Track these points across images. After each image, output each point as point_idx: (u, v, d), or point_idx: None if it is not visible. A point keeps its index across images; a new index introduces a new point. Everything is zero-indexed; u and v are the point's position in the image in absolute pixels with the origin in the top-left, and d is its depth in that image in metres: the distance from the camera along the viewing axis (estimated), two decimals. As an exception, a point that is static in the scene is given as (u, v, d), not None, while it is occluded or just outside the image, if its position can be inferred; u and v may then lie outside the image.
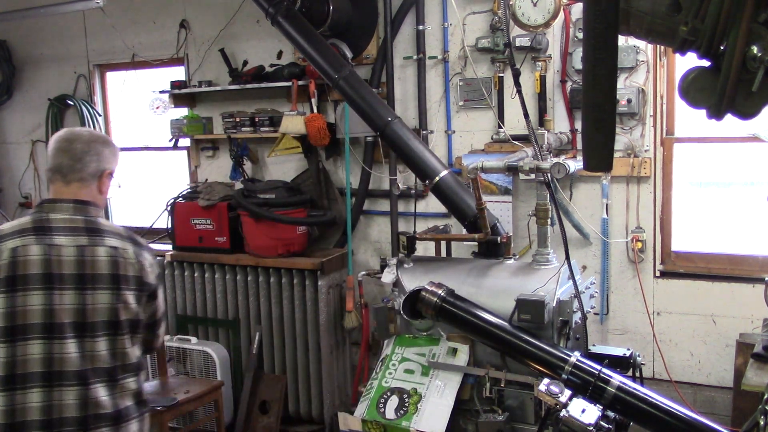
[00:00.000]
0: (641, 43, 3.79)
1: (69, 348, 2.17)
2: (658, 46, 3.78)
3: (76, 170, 2.29)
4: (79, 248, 2.22)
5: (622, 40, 3.65)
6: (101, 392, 2.20)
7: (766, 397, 2.00)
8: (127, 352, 2.27)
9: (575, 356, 2.95)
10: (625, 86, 3.89)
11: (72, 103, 5.73)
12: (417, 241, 3.85)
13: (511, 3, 3.84)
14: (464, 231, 3.91)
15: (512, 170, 3.58)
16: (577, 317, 3.30)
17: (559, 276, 3.27)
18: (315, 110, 4.58)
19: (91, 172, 2.31)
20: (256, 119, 4.82)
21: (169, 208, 4.92)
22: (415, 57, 4.41)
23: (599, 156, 1.58)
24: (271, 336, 4.66)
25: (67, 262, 2.20)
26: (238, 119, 4.88)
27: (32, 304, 2.16)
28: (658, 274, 4.05)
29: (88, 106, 5.71)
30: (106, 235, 2.27)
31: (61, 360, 2.16)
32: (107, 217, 5.79)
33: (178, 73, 5.35)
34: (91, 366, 2.19)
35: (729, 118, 1.44)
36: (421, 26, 4.36)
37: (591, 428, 2.70)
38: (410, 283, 3.52)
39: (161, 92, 5.15)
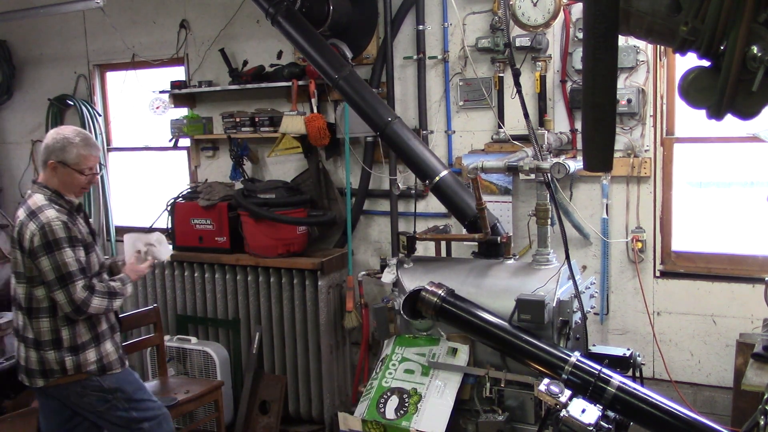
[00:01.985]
0: (641, 43, 3.79)
1: (18, 289, 3.21)
2: (658, 46, 3.78)
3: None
4: (19, 221, 3.19)
5: (622, 40, 3.65)
6: (27, 321, 3.21)
7: (766, 397, 2.00)
8: (39, 297, 3.16)
9: (575, 356, 2.95)
10: (625, 86, 3.89)
11: (72, 103, 5.73)
12: (417, 241, 3.85)
13: (511, 3, 3.84)
14: (464, 231, 3.91)
15: (512, 170, 3.58)
16: (577, 317, 3.30)
17: (559, 276, 3.27)
18: (315, 110, 4.58)
19: (42, 161, 3.19)
20: (256, 119, 4.82)
21: (169, 208, 4.92)
22: (415, 57, 4.41)
23: (599, 156, 1.58)
24: (271, 336, 4.66)
25: (18, 232, 3.19)
26: (238, 119, 4.88)
27: (12, 252, 3.30)
28: (658, 274, 4.05)
29: (88, 106, 5.71)
30: (23, 208, 3.16)
31: (15, 292, 3.24)
32: (108, 216, 5.80)
33: (178, 73, 5.35)
34: (20, 302, 3.20)
35: (729, 118, 1.44)
36: (421, 26, 4.36)
37: (591, 428, 2.70)
38: (410, 283, 3.52)
39: (161, 92, 5.15)
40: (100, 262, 3.30)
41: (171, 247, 3.50)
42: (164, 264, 4.94)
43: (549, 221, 3.58)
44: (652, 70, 3.89)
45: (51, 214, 3.04)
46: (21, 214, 3.09)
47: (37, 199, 3.10)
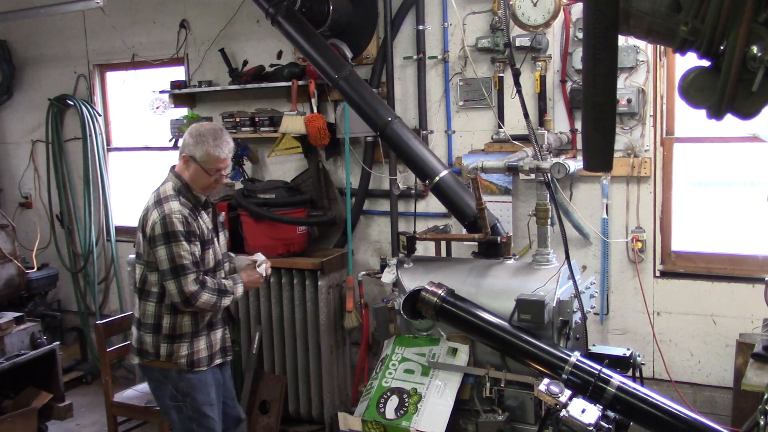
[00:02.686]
0: (641, 43, 3.79)
1: (136, 267, 3.38)
2: (658, 46, 3.78)
3: None
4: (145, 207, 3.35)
5: (622, 40, 3.65)
6: (137, 302, 3.37)
7: (766, 397, 2.00)
8: (151, 281, 3.26)
9: (575, 356, 2.95)
10: (625, 86, 3.89)
11: (72, 103, 5.73)
12: (417, 241, 3.85)
13: (511, 3, 3.84)
14: (464, 231, 3.91)
15: (512, 170, 3.58)
16: (577, 317, 3.30)
17: (559, 276, 3.27)
18: (315, 110, 4.58)
19: (179, 152, 3.29)
20: (256, 119, 4.82)
21: (169, 208, 4.91)
22: (415, 57, 4.41)
23: (599, 156, 1.58)
24: (271, 336, 4.66)
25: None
26: (238, 119, 4.88)
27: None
28: (658, 274, 4.05)
29: (88, 106, 5.71)
30: (153, 194, 3.29)
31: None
32: (108, 216, 5.79)
33: (178, 73, 5.35)
34: (137, 282, 3.35)
35: (729, 118, 1.44)
36: (421, 26, 4.36)
37: (591, 428, 2.70)
38: (410, 283, 3.52)
39: (161, 92, 5.15)
40: (217, 260, 3.33)
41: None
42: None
43: (549, 221, 3.58)
44: (652, 70, 3.89)
45: (174, 206, 3.12)
46: (151, 199, 3.20)
47: (167, 187, 3.20)
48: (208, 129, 3.20)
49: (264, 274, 3.48)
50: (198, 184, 3.21)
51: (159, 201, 3.14)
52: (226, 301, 3.24)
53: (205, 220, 3.26)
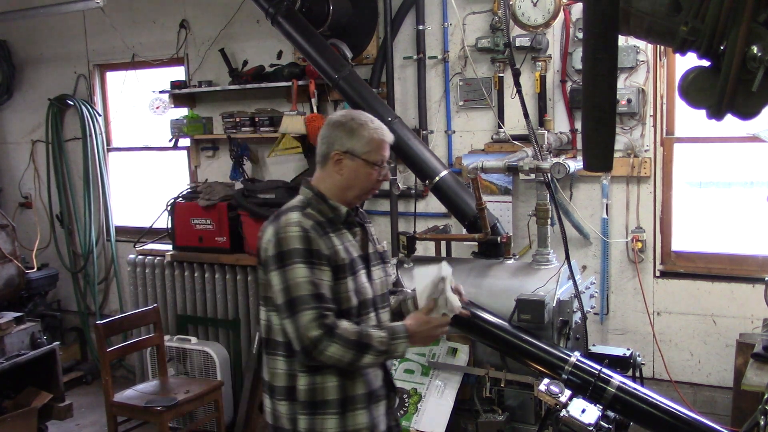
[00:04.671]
0: (641, 43, 3.79)
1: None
2: (658, 46, 3.78)
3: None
4: None
5: (622, 40, 3.65)
6: (264, 358, 2.38)
7: (766, 397, 2.00)
8: (274, 327, 2.31)
9: (575, 356, 2.95)
10: (625, 86, 3.89)
11: (72, 103, 5.73)
12: (417, 241, 3.85)
13: (511, 3, 3.84)
14: (464, 231, 3.91)
15: (512, 170, 3.58)
16: (577, 317, 3.30)
17: (559, 276, 3.27)
18: (315, 110, 4.58)
19: (321, 155, 2.38)
20: (256, 119, 4.82)
21: (169, 208, 4.92)
22: (415, 57, 4.41)
23: (599, 156, 1.58)
24: (271, 336, 4.65)
25: None
26: (238, 119, 4.88)
27: None
28: (658, 274, 4.05)
29: (88, 106, 5.71)
30: (279, 212, 2.38)
31: None
32: (108, 216, 5.79)
33: (178, 73, 5.35)
34: (260, 329, 2.40)
35: (729, 118, 1.44)
36: (421, 26, 4.36)
37: (591, 428, 2.70)
38: (410, 283, 3.52)
39: (161, 92, 5.15)
40: (366, 298, 2.34)
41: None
42: (164, 264, 4.94)
43: (549, 221, 3.58)
44: (652, 70, 3.89)
45: (292, 217, 2.26)
46: (269, 220, 2.35)
47: (292, 202, 2.38)
48: (356, 114, 2.41)
49: (454, 308, 2.31)
50: (361, 185, 2.35)
51: (277, 215, 2.32)
52: (369, 361, 2.21)
53: (349, 241, 2.34)
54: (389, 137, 2.38)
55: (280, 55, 4.75)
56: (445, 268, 2.33)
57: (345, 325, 2.19)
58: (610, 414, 2.86)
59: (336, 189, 2.34)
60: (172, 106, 5.15)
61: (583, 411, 2.76)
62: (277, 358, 2.29)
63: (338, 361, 2.18)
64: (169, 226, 4.94)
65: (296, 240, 2.20)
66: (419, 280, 2.40)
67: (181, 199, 4.88)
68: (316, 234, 2.23)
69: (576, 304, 3.27)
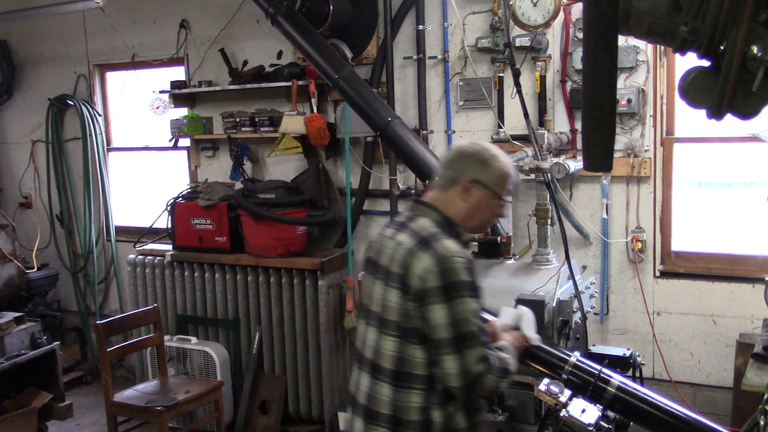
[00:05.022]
0: (641, 43, 3.79)
1: (370, 336, 2.28)
2: (658, 46, 3.78)
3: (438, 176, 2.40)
4: (386, 240, 2.30)
5: (622, 40, 3.65)
6: (384, 390, 2.21)
7: (766, 397, 2.00)
8: (414, 361, 2.17)
9: (575, 356, 2.95)
10: (625, 86, 3.89)
11: (72, 103, 5.73)
12: (417, 241, 3.84)
13: (511, 3, 3.84)
14: (464, 231, 3.90)
15: (512, 170, 3.57)
16: (577, 317, 3.30)
17: (559, 276, 3.27)
18: (315, 110, 4.58)
19: (448, 178, 2.33)
20: (256, 119, 4.82)
21: (169, 208, 4.92)
22: (415, 57, 4.41)
23: (599, 156, 1.58)
24: (271, 336, 4.66)
25: (383, 254, 2.29)
26: (238, 119, 4.88)
27: (369, 286, 2.34)
28: (658, 274, 4.05)
29: (88, 106, 5.71)
30: (403, 231, 2.25)
31: (364, 344, 2.30)
32: (108, 216, 5.79)
33: (178, 73, 5.35)
34: (379, 361, 2.23)
35: (729, 118, 1.44)
36: (421, 26, 4.36)
37: (591, 428, 2.70)
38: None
39: (161, 92, 5.15)
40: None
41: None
42: (164, 264, 4.94)
43: (549, 221, 3.58)
44: (652, 70, 3.89)
45: (452, 246, 2.17)
46: (405, 239, 2.22)
47: (424, 223, 2.25)
48: (488, 145, 2.39)
49: (532, 339, 2.56)
50: (479, 216, 2.34)
51: (424, 240, 2.16)
52: (504, 385, 2.23)
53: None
54: (515, 173, 2.41)
55: (280, 55, 4.75)
56: (528, 311, 2.59)
57: (491, 355, 2.18)
58: (610, 414, 2.86)
59: (460, 216, 2.30)
60: (172, 106, 5.15)
61: (583, 411, 2.75)
62: (411, 392, 2.17)
63: (492, 391, 2.18)
64: (169, 226, 4.94)
65: (463, 272, 2.13)
66: (504, 314, 2.62)
67: (181, 199, 4.88)
68: (473, 265, 2.20)
69: (576, 304, 3.27)
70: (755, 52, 1.32)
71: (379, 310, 2.23)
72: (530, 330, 2.54)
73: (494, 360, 2.17)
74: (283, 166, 5.01)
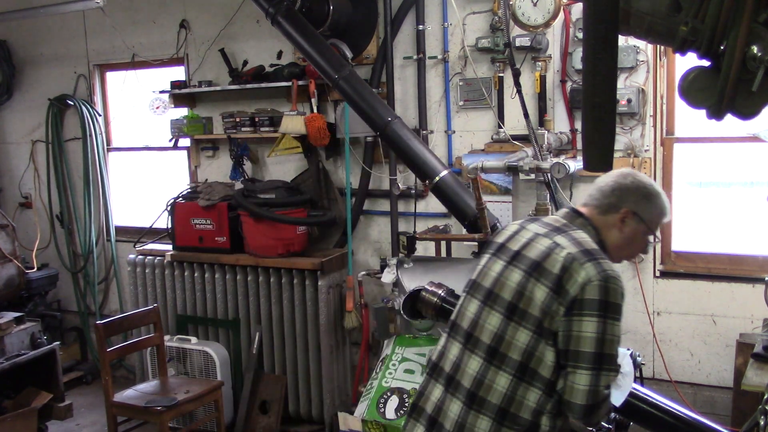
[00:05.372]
0: (641, 43, 3.79)
1: (493, 320, 2.19)
2: (658, 46, 3.78)
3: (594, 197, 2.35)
4: (535, 234, 2.24)
5: (622, 40, 3.65)
6: (502, 381, 2.14)
7: (766, 397, 2.00)
8: (542, 360, 2.10)
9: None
10: (625, 86, 3.88)
11: (72, 103, 5.73)
12: (417, 241, 3.85)
13: (511, 3, 3.84)
14: (464, 231, 3.91)
15: (512, 170, 3.58)
16: (577, 317, 3.29)
17: (559, 276, 3.26)
18: (315, 110, 4.58)
19: (608, 203, 2.29)
20: (256, 119, 4.82)
21: (169, 208, 4.92)
22: (415, 57, 4.41)
23: (599, 156, 1.58)
24: (271, 336, 4.66)
25: (517, 240, 2.26)
26: (238, 119, 4.88)
27: (489, 267, 2.29)
28: (658, 274, 4.05)
29: (88, 106, 5.71)
30: (562, 235, 2.20)
31: (477, 324, 2.22)
32: (108, 216, 5.79)
33: (178, 73, 5.35)
34: (504, 350, 2.15)
35: (729, 118, 1.44)
36: (421, 26, 4.36)
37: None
38: (410, 283, 3.52)
39: (161, 92, 5.15)
40: None
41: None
42: (164, 264, 4.95)
43: (549, 221, 3.57)
44: (652, 70, 3.89)
45: (614, 268, 2.14)
46: (566, 244, 2.15)
47: (584, 237, 2.21)
48: (652, 181, 2.38)
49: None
50: (631, 249, 2.33)
51: (589, 253, 2.13)
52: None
53: None
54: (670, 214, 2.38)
55: (280, 55, 4.75)
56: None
57: None
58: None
59: (612, 244, 2.27)
60: (172, 106, 5.15)
61: (583, 411, 2.75)
62: (531, 389, 2.11)
63: (600, 419, 2.16)
64: (169, 226, 4.94)
65: (621, 297, 2.10)
66: None
67: (181, 199, 4.88)
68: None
69: (576, 304, 3.26)
70: (755, 52, 1.32)
71: (517, 300, 2.15)
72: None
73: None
74: (283, 166, 5.01)
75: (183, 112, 5.21)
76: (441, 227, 4.20)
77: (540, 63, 4.04)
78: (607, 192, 2.29)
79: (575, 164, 3.58)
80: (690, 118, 3.91)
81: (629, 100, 3.85)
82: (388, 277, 3.69)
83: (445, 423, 2.18)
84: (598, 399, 2.05)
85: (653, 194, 2.28)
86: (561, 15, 3.89)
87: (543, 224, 2.29)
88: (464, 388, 2.17)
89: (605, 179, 2.33)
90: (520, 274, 2.16)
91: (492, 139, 4.29)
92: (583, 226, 2.26)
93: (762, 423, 1.97)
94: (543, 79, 4.05)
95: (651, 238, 2.33)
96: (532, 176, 3.55)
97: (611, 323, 2.06)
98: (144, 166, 5.82)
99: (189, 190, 4.94)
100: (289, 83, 4.59)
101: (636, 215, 2.25)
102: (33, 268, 5.68)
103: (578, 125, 3.98)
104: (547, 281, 2.10)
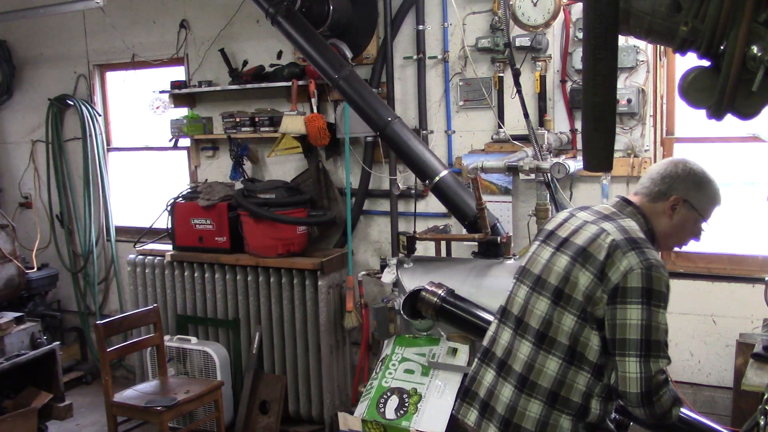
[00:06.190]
0: (641, 43, 3.79)
1: (540, 306, 2.21)
2: (658, 46, 3.78)
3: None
4: (583, 221, 2.26)
5: (622, 40, 3.65)
6: (552, 365, 2.16)
7: (766, 397, 2.00)
8: (588, 344, 2.12)
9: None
10: (625, 86, 3.88)
11: (72, 103, 5.73)
12: (417, 241, 3.85)
13: (511, 3, 3.84)
14: (464, 231, 3.91)
15: (512, 170, 3.58)
16: (577, 317, 3.29)
17: (559, 276, 3.26)
18: (315, 110, 4.58)
19: (657, 190, 2.28)
20: (256, 119, 4.82)
21: (169, 208, 4.92)
22: (415, 57, 4.41)
23: (599, 156, 1.58)
24: (271, 336, 4.66)
25: (566, 227, 2.29)
26: (238, 119, 4.88)
27: (538, 253, 2.33)
28: (658, 274, 4.05)
29: (88, 106, 5.71)
30: (610, 222, 2.20)
31: (526, 309, 2.26)
32: (108, 216, 5.79)
33: (178, 73, 5.35)
34: (553, 334, 2.16)
35: (729, 118, 1.44)
36: (421, 26, 4.36)
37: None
38: (410, 283, 3.52)
39: (161, 92, 5.15)
40: None
41: None
42: (164, 264, 4.95)
43: (549, 221, 3.57)
44: (652, 70, 3.89)
45: (658, 257, 2.16)
46: (612, 231, 2.16)
47: (632, 225, 2.21)
48: (705, 168, 2.34)
49: None
50: (681, 237, 2.35)
51: (635, 241, 2.13)
52: (675, 415, 2.16)
53: None
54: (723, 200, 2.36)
55: (280, 55, 4.75)
56: None
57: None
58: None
59: (661, 232, 2.29)
60: (172, 106, 5.15)
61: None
62: (581, 373, 2.13)
63: (665, 412, 2.10)
64: (169, 226, 4.94)
65: (665, 285, 2.13)
66: None
67: (181, 199, 4.88)
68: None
69: (576, 304, 3.26)
70: (755, 52, 1.32)
71: (561, 284, 2.18)
72: None
73: (671, 384, 2.14)
74: (283, 166, 5.01)
75: (183, 112, 5.21)
76: (441, 227, 4.20)
77: (540, 63, 4.04)
78: (657, 180, 2.29)
79: (575, 164, 3.58)
80: (690, 118, 3.90)
81: (629, 100, 3.85)
82: (388, 277, 3.69)
83: (498, 407, 2.21)
84: (652, 386, 2.03)
85: (705, 181, 2.28)
86: (561, 15, 3.89)
87: (592, 212, 2.30)
88: (516, 372, 2.20)
89: (656, 167, 2.34)
90: (566, 260, 2.18)
91: (492, 139, 4.29)
92: (633, 214, 2.26)
93: (762, 423, 1.97)
94: (543, 79, 4.05)
95: (703, 225, 2.34)
96: (532, 176, 3.55)
97: (656, 310, 2.08)
98: (144, 166, 5.82)
99: (189, 190, 4.94)
100: (289, 83, 4.59)
101: (686, 202, 2.26)
102: (33, 268, 5.68)
103: (578, 125, 3.98)
104: (592, 267, 2.11)
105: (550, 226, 2.37)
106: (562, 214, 2.38)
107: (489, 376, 2.29)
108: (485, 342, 2.40)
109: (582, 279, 2.12)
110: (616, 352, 2.07)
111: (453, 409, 2.36)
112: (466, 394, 2.37)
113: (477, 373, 2.35)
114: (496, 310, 2.45)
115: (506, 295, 2.40)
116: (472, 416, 2.30)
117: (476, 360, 2.41)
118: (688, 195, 2.26)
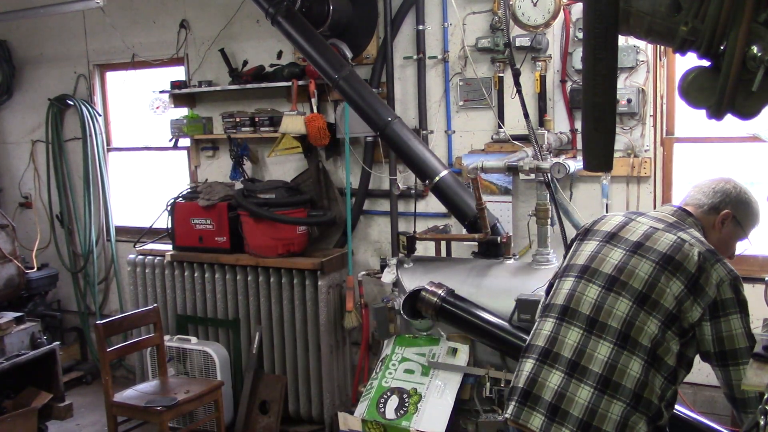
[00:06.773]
0: (641, 43, 3.79)
1: (618, 305, 2.21)
2: (658, 46, 3.78)
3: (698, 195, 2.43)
4: (651, 227, 2.29)
5: (622, 40, 3.65)
6: (636, 366, 2.15)
7: (766, 397, 2.00)
8: (669, 348, 2.17)
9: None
10: (625, 86, 3.88)
11: (72, 103, 5.73)
12: (417, 241, 3.85)
13: (511, 3, 3.84)
14: (464, 231, 3.90)
15: (512, 170, 3.58)
16: (577, 317, 3.29)
17: (559, 276, 3.26)
18: (315, 110, 4.58)
19: (710, 204, 2.37)
20: (256, 119, 4.82)
21: (169, 208, 4.92)
22: (415, 57, 4.41)
23: (599, 156, 1.58)
24: (271, 336, 4.66)
25: (630, 230, 2.31)
26: (238, 119, 4.88)
27: (605, 253, 2.31)
28: (658, 274, 4.04)
29: (88, 106, 5.71)
30: (683, 232, 2.26)
31: (594, 306, 2.24)
32: (108, 216, 5.79)
33: (178, 73, 5.35)
34: (633, 334, 2.17)
35: (729, 118, 1.44)
36: (421, 26, 4.36)
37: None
38: (410, 283, 3.52)
39: (161, 92, 5.15)
40: None
41: None
42: (164, 264, 4.95)
43: (549, 221, 3.57)
44: (652, 70, 3.89)
45: (736, 271, 2.24)
46: (692, 240, 2.22)
47: (702, 237, 2.28)
48: (748, 188, 2.44)
49: None
50: (723, 250, 2.37)
51: (714, 253, 2.21)
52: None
53: None
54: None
55: (280, 55, 4.75)
56: None
57: None
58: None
59: (716, 242, 2.34)
60: (172, 106, 5.15)
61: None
62: (657, 375, 2.16)
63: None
64: (169, 226, 4.94)
65: (745, 296, 2.24)
66: None
67: (181, 199, 4.88)
68: None
69: (576, 304, 3.26)
70: (755, 52, 1.32)
71: (650, 292, 2.18)
72: None
73: None
74: (283, 166, 5.01)
75: (183, 112, 5.21)
76: (441, 227, 4.20)
77: (540, 63, 4.04)
78: (709, 193, 2.38)
79: (575, 164, 3.58)
80: (690, 118, 3.90)
81: (629, 100, 3.85)
82: (388, 277, 3.69)
83: (573, 410, 2.14)
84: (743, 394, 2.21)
85: (752, 200, 2.39)
86: (561, 15, 3.89)
87: (655, 219, 2.34)
88: (595, 373, 2.16)
89: (706, 181, 2.43)
90: (650, 265, 2.20)
91: (492, 139, 4.29)
92: (695, 225, 2.33)
93: (762, 423, 1.96)
94: (543, 79, 4.05)
95: (743, 243, 2.43)
96: (532, 176, 3.55)
97: (747, 317, 2.21)
98: (144, 166, 5.82)
99: (189, 190, 4.94)
100: (289, 83, 4.59)
101: (734, 218, 2.36)
102: (33, 268, 5.68)
103: (578, 125, 3.97)
104: (683, 276, 2.16)
105: (605, 227, 2.37)
106: (617, 218, 2.40)
107: (555, 377, 2.20)
108: (539, 341, 2.28)
109: (672, 287, 2.16)
110: (728, 363, 2.19)
111: (507, 413, 2.26)
112: (525, 397, 2.23)
113: (537, 375, 2.24)
114: (545, 309, 2.36)
115: (561, 293, 2.32)
116: (536, 421, 2.18)
117: (529, 361, 2.28)
118: (737, 211, 2.36)
